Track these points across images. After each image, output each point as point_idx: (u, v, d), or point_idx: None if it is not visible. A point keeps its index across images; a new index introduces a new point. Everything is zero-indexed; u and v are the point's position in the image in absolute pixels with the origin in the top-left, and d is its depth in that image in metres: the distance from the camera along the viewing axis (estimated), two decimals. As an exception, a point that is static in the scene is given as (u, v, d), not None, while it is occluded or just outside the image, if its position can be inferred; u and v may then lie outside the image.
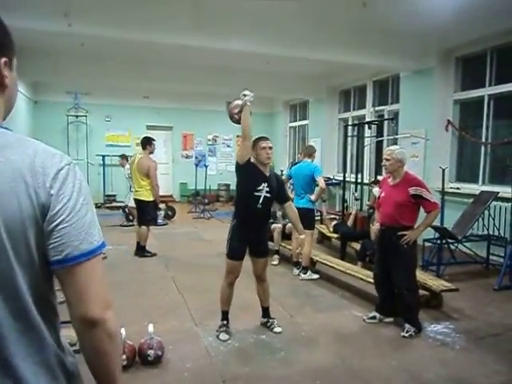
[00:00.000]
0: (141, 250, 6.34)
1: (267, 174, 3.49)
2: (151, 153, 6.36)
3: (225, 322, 3.60)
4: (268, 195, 3.42)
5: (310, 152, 5.52)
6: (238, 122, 3.44)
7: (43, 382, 0.89)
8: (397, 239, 3.55)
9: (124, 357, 2.94)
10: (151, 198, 6.25)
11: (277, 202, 3.74)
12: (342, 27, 6.28)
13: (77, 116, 11.67)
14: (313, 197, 5.25)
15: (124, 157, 9.27)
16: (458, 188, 6.68)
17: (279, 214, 6.27)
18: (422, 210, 3.65)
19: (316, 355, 3.31)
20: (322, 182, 5.22)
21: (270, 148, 3.48)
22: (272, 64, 8.54)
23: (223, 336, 3.51)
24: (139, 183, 6.22)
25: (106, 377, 0.99)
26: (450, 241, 5.54)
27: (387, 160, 3.59)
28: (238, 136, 13.45)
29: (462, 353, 3.39)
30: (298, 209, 4.68)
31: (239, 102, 3.40)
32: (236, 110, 3.42)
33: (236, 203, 3.67)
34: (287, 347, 3.41)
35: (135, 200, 6.40)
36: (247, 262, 3.66)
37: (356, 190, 7.41)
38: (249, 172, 3.43)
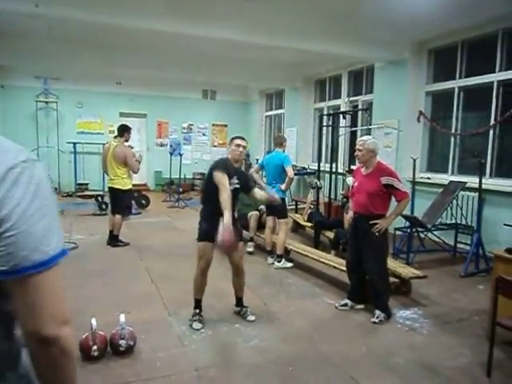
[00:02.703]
0: (114, 240, 6.24)
1: (236, 167, 3.73)
2: (127, 141, 6.27)
3: (197, 311, 3.60)
4: (237, 186, 3.62)
5: (280, 141, 5.53)
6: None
7: None
8: (369, 227, 3.62)
9: (95, 347, 2.91)
10: (127, 187, 6.19)
11: (244, 193, 3.86)
12: (318, 17, 6.26)
13: (46, 102, 11.30)
14: (283, 186, 5.27)
15: None
16: (428, 178, 6.85)
17: (263, 207, 6.21)
18: (393, 199, 3.73)
19: (289, 342, 3.35)
20: (290, 172, 5.25)
21: (244, 147, 3.72)
22: (247, 52, 8.47)
23: (196, 325, 3.51)
24: (115, 172, 6.10)
25: None
26: (419, 229, 5.69)
27: (360, 150, 3.64)
28: (213, 125, 13.37)
29: (429, 337, 3.51)
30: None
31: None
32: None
33: (205, 193, 3.71)
34: (260, 335, 3.44)
35: (110, 188, 6.26)
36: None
37: (319, 179, 7.59)
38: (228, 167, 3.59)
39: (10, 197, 0.77)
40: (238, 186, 3.62)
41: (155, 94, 12.06)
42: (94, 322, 2.98)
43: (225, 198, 3.26)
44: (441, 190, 6.04)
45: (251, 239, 6.04)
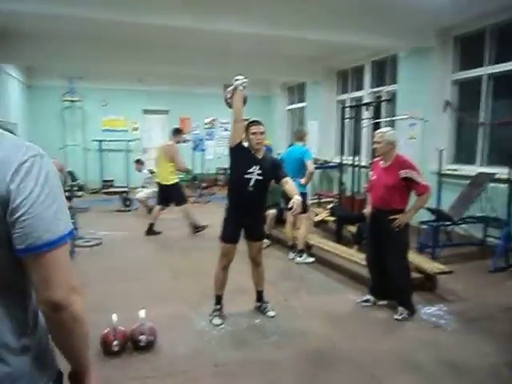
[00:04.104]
0: (193, 228, 6.77)
1: (259, 157, 3.46)
2: (178, 142, 6.86)
3: (218, 307, 3.61)
4: (260, 177, 3.39)
5: (300, 135, 5.45)
6: (230, 106, 3.45)
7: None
8: (388, 222, 3.52)
9: (116, 342, 2.96)
10: (172, 182, 6.68)
11: (276, 182, 3.62)
12: (339, 6, 6.12)
13: (72, 101, 11.53)
14: (303, 180, 5.20)
15: (140, 162, 9.11)
16: (455, 169, 6.62)
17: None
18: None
19: (309, 339, 3.32)
20: (311, 166, 5.16)
21: (262, 133, 3.43)
22: (267, 45, 8.39)
23: (216, 320, 3.52)
24: (162, 168, 6.69)
25: (75, 356, 1.07)
26: (446, 223, 5.52)
27: (378, 143, 3.54)
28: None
29: (455, 335, 3.40)
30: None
31: (230, 87, 3.43)
32: (229, 95, 3.46)
33: (228, 186, 3.68)
34: (280, 331, 3.42)
35: (157, 183, 6.86)
36: (243, 246, 3.65)
37: (341, 172, 7.55)
38: (240, 154, 3.44)
39: (24, 186, 0.90)
40: (260, 177, 3.37)
41: (177, 90, 12.09)
42: (114, 317, 3.03)
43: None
44: (468, 181, 5.83)
45: (267, 236, 6.01)
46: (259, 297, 3.81)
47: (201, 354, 3.05)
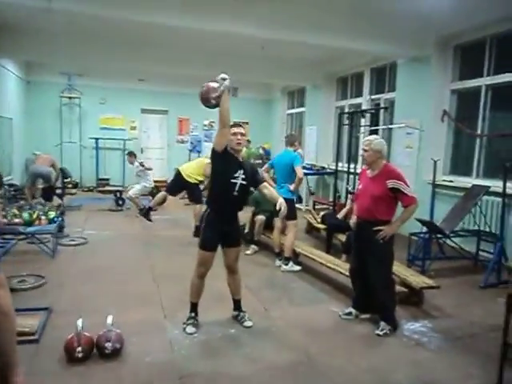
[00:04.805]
0: (197, 230, 6.58)
1: (241, 160, 3.41)
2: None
3: (193, 315, 3.48)
4: (244, 182, 3.34)
5: (291, 140, 5.33)
6: (215, 106, 3.30)
7: None
8: (373, 234, 3.39)
9: (79, 349, 2.83)
10: (192, 181, 6.89)
11: (253, 188, 3.64)
12: (340, 11, 6.02)
13: (70, 98, 11.47)
14: (291, 186, 5.08)
15: (132, 154, 8.94)
16: (451, 181, 6.48)
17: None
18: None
19: (283, 352, 3.18)
20: (299, 172, 5.04)
21: (242, 134, 3.37)
22: (268, 49, 8.30)
23: (190, 329, 3.39)
24: (197, 171, 6.92)
25: (3, 352, 1.02)
26: (438, 235, 5.37)
27: (365, 151, 3.41)
28: (234, 122, 13.22)
29: (437, 353, 3.25)
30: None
31: (215, 84, 3.26)
32: (214, 95, 3.27)
33: (211, 192, 3.54)
34: (255, 342, 3.29)
35: (184, 180, 6.89)
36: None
37: (336, 179, 7.42)
38: (226, 159, 3.33)
39: None
40: (244, 182, 3.33)
41: (177, 90, 12.00)
42: (79, 322, 2.91)
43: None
44: (463, 194, 5.69)
45: (255, 242, 5.91)
46: (237, 305, 3.68)
47: (168, 364, 2.92)
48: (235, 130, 3.35)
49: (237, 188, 3.32)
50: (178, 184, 7.03)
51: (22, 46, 8.02)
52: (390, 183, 3.32)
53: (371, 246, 3.43)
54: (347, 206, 6.47)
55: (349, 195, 7.08)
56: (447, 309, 4.10)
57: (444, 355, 3.23)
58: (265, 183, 3.52)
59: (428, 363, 3.11)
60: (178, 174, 6.96)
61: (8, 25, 7.57)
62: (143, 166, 8.49)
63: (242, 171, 3.33)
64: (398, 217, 3.50)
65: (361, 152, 3.52)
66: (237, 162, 3.35)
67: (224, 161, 3.33)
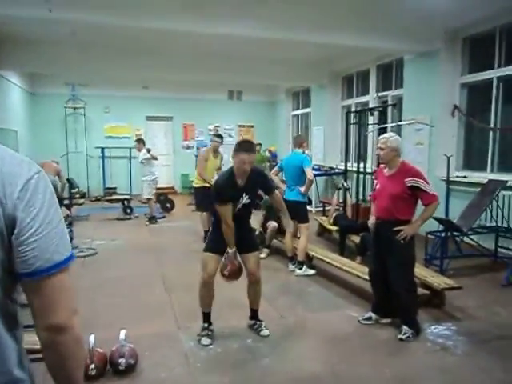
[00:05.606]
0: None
1: (244, 183, 3.23)
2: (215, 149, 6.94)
3: (206, 325, 3.37)
4: (247, 201, 3.31)
5: (299, 141, 5.21)
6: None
7: None
8: (392, 234, 3.26)
9: (93, 366, 2.73)
10: (196, 185, 6.67)
11: (265, 194, 3.68)
12: (344, 8, 5.90)
13: (75, 108, 11.46)
14: (302, 189, 4.96)
15: (141, 141, 8.77)
16: (464, 176, 6.32)
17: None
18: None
19: (303, 362, 3.05)
20: (310, 173, 4.91)
21: (251, 163, 3.13)
22: (272, 49, 8.20)
23: (205, 341, 3.27)
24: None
25: (71, 380, 0.98)
26: (454, 233, 5.21)
27: (381, 149, 3.28)
28: (239, 126, 13.16)
29: (464, 358, 3.11)
30: (289, 202, 4.43)
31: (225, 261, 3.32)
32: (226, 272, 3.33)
33: (214, 209, 3.35)
34: (273, 353, 3.16)
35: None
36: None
37: (346, 179, 7.31)
38: (227, 192, 3.18)
39: (31, 205, 0.85)
40: (248, 201, 3.29)
41: (181, 96, 11.93)
42: (92, 339, 2.80)
43: (226, 231, 3.17)
44: (478, 189, 5.53)
45: (267, 246, 5.80)
46: (253, 315, 3.56)
47: (184, 378, 2.81)
48: (245, 158, 3.08)
49: (239, 206, 3.28)
50: (197, 196, 6.82)
51: (25, 57, 8.00)
52: (409, 181, 3.19)
53: (392, 247, 3.29)
54: (333, 201, 6.81)
55: (347, 193, 7.15)
56: (470, 310, 3.95)
57: (472, 360, 3.08)
58: (275, 192, 3.52)
59: (455, 369, 2.97)
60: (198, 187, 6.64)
61: (11, 37, 7.55)
62: (149, 152, 8.41)
63: (246, 196, 3.27)
64: (418, 216, 3.36)
65: (377, 151, 3.38)
66: (239, 190, 3.23)
67: (225, 194, 3.20)
